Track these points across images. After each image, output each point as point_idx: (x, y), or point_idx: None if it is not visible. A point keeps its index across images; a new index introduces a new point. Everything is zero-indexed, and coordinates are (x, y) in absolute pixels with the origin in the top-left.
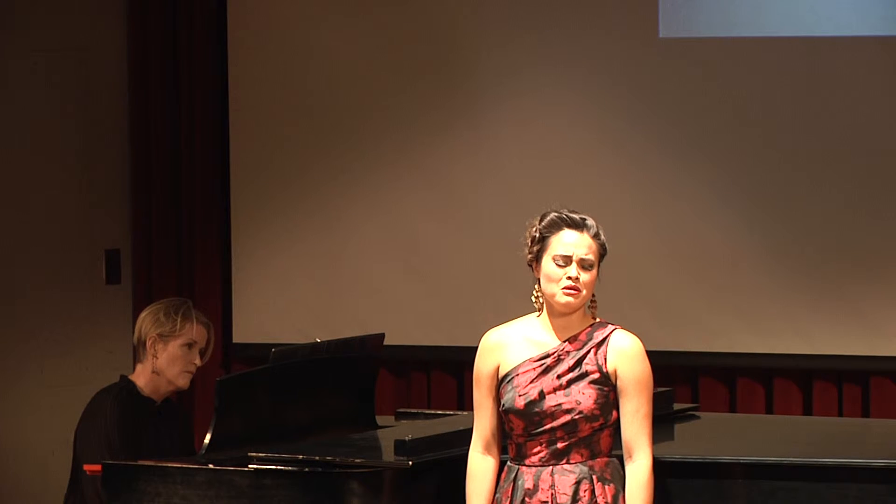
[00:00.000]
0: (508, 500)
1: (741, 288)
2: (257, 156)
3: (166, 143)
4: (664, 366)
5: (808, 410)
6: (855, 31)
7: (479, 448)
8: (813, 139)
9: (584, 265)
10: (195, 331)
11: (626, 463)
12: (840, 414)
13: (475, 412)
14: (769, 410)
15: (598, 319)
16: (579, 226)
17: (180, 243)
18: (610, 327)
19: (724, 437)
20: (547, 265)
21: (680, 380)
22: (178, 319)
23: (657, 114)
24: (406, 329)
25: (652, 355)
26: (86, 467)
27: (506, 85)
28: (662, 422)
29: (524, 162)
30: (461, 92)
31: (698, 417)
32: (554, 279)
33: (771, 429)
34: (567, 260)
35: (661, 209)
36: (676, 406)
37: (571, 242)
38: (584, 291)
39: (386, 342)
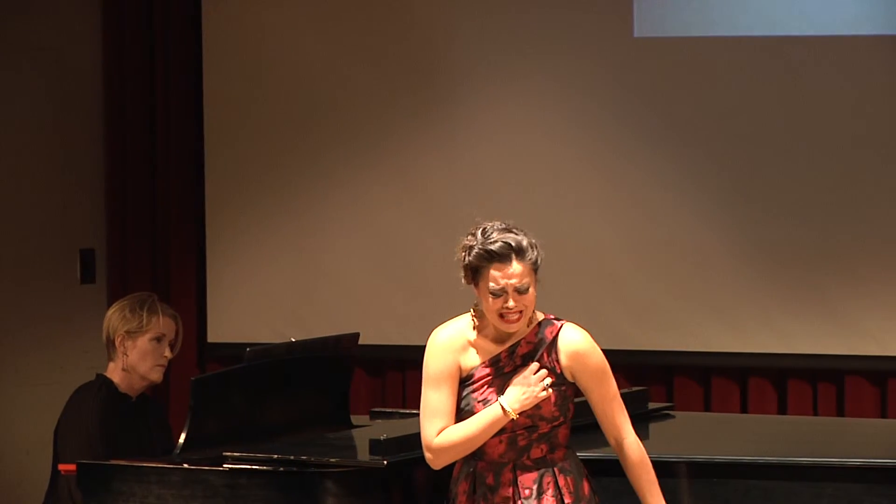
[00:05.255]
0: (466, 495)
1: (716, 287)
2: (232, 156)
3: (141, 143)
4: (638, 365)
5: (782, 409)
6: (827, 30)
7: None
8: (787, 138)
9: (519, 291)
10: (162, 324)
11: (615, 448)
12: (815, 413)
13: (432, 412)
14: (744, 409)
15: (541, 316)
16: (506, 257)
17: (155, 243)
18: (557, 323)
19: (698, 436)
20: (483, 294)
21: (654, 379)
22: (145, 314)
23: (632, 112)
24: (381, 328)
25: (626, 354)
26: (60, 467)
27: (480, 81)
28: (637, 421)
29: (499, 160)
30: (435, 88)
31: (673, 417)
32: (492, 309)
33: (746, 428)
34: (501, 291)
35: (636, 208)
36: (651, 405)
37: (501, 275)
38: (524, 310)
39: (361, 341)
